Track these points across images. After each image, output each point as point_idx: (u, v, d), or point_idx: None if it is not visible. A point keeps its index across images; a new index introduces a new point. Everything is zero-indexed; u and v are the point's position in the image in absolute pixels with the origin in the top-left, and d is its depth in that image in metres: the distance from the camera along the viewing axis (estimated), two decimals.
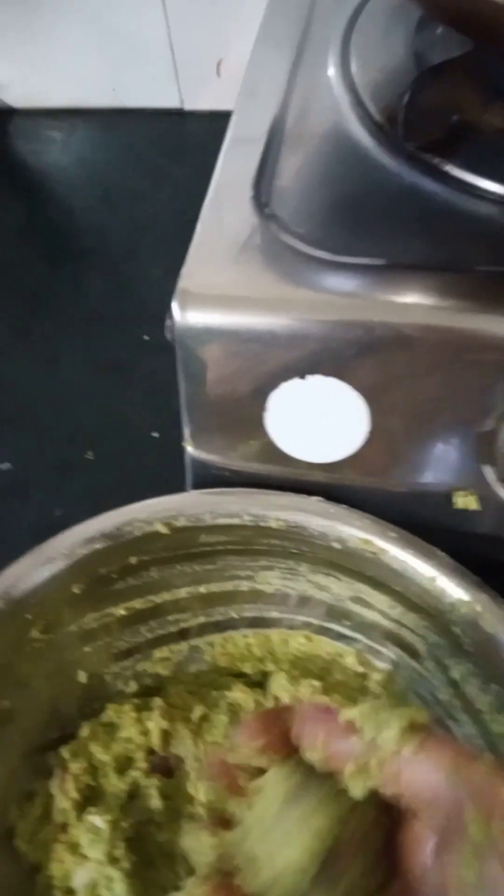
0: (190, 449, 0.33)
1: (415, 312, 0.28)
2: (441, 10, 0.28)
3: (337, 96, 0.34)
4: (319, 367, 0.29)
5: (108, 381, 0.50)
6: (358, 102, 0.34)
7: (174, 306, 0.29)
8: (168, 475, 0.45)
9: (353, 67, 0.35)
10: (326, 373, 0.29)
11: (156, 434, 0.47)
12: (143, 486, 0.45)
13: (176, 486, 0.38)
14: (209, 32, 0.58)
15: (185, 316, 0.28)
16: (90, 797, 0.32)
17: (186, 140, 0.64)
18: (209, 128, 0.64)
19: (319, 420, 0.31)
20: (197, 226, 0.31)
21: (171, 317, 0.29)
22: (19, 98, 0.66)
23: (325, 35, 0.38)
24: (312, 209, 0.31)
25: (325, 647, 0.36)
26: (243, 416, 0.31)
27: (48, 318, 0.53)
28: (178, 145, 0.63)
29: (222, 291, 0.29)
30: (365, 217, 0.30)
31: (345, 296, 0.28)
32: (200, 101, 0.63)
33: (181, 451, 0.43)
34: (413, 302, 0.28)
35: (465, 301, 0.28)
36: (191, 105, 0.64)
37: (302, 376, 0.29)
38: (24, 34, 0.61)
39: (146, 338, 0.51)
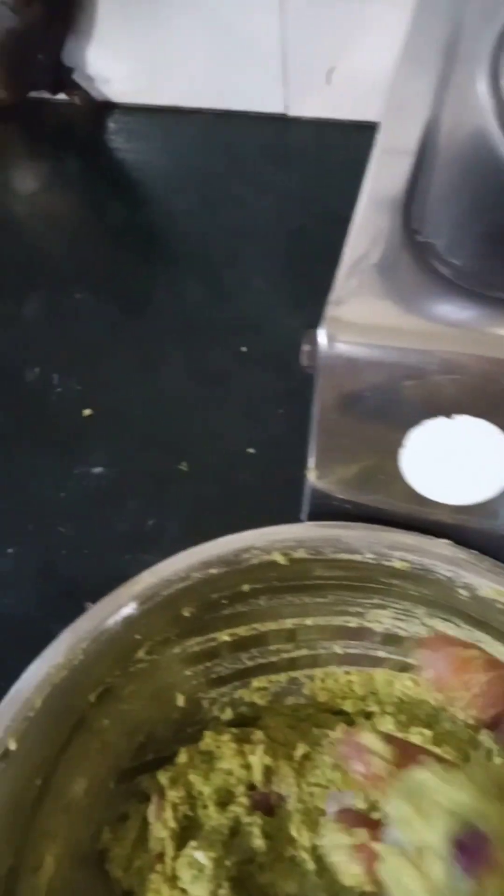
0: (313, 478, 0.32)
1: None
2: None
3: (489, 115, 0.33)
4: (469, 407, 0.27)
5: (204, 391, 0.49)
6: None
7: (321, 333, 0.27)
8: (262, 494, 0.44)
9: None
10: (476, 413, 0.27)
11: (252, 450, 0.46)
12: (238, 502, 0.45)
13: (272, 507, 0.37)
14: (324, 38, 0.57)
15: (333, 345, 0.27)
16: (188, 828, 0.31)
17: (290, 147, 0.62)
18: (314, 135, 0.63)
19: (459, 461, 0.29)
20: (344, 250, 0.29)
21: (313, 343, 0.28)
22: (122, 93, 0.65)
23: (475, 50, 0.36)
24: (467, 238, 0.29)
25: (433, 693, 0.34)
26: (377, 450, 0.30)
27: (146, 322, 0.52)
28: (281, 152, 0.62)
29: (372, 321, 0.27)
30: None
31: (500, 333, 0.27)
32: (306, 107, 0.62)
33: (277, 469, 0.42)
34: None
35: None
36: (296, 111, 0.62)
37: (448, 415, 0.28)
38: (131, 28, 0.60)
39: (244, 349, 0.50)
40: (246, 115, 0.63)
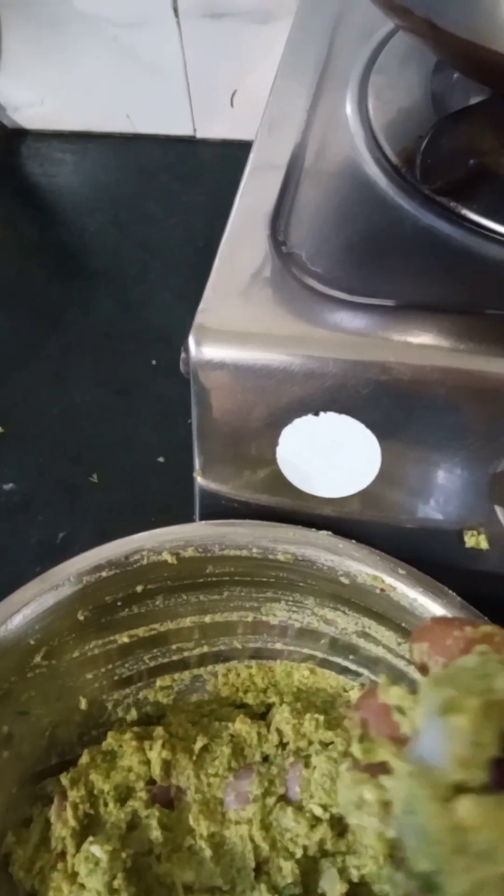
0: (200, 479, 0.33)
1: (429, 354, 0.28)
2: (457, 60, 0.29)
3: (354, 135, 0.35)
4: (333, 404, 0.29)
5: (115, 403, 0.50)
6: (375, 143, 0.34)
7: (190, 341, 0.29)
8: (172, 500, 0.45)
9: (371, 107, 0.36)
10: (340, 410, 0.29)
11: (161, 459, 0.47)
12: (148, 510, 0.46)
13: (180, 512, 0.38)
14: (224, 63, 0.59)
15: (201, 351, 0.29)
16: (89, 826, 0.32)
17: (198, 166, 0.64)
18: (221, 155, 0.66)
19: (331, 456, 0.31)
20: (215, 261, 0.31)
21: (186, 350, 0.29)
22: (33, 120, 0.66)
23: (345, 72, 0.39)
24: (329, 248, 0.31)
25: (329, 680, 0.36)
26: (255, 449, 0.31)
27: (57, 338, 0.53)
28: (189, 171, 0.64)
29: (238, 328, 0.29)
30: (381, 258, 0.30)
31: (360, 335, 0.28)
32: (213, 129, 0.64)
33: (186, 476, 0.43)
34: (428, 343, 0.28)
35: (479, 344, 0.28)
36: (203, 133, 0.64)
37: (316, 413, 0.29)
38: (40, 57, 0.62)
39: (154, 362, 0.52)
40: (155, 138, 0.65)
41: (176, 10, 0.56)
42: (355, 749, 0.20)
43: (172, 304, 0.55)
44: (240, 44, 0.57)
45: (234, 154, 0.66)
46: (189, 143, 0.65)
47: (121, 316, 0.55)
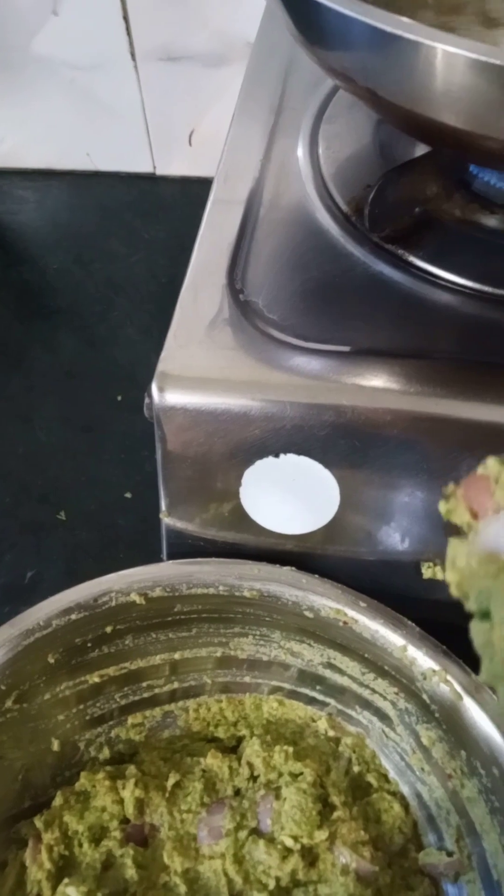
0: (166, 519, 0.34)
1: (381, 397, 0.29)
2: (397, 122, 0.31)
3: (306, 183, 0.36)
4: (292, 446, 0.30)
5: (81, 441, 0.51)
6: (325, 191, 0.36)
7: (153, 388, 0.30)
8: (140, 536, 0.46)
9: (321, 155, 0.38)
10: (299, 451, 0.30)
11: (129, 495, 0.48)
12: (116, 547, 0.46)
13: (148, 548, 0.39)
14: (181, 104, 0.60)
15: (164, 397, 0.30)
16: (64, 867, 0.32)
17: (159, 203, 0.66)
18: (181, 192, 0.67)
19: (292, 495, 0.32)
20: (175, 309, 0.32)
21: (150, 396, 0.30)
22: None
23: (297, 120, 0.40)
24: (284, 295, 0.32)
25: (297, 711, 0.36)
26: (219, 489, 0.32)
27: (21, 377, 0.54)
28: (151, 208, 0.65)
29: (199, 374, 0.30)
30: (334, 304, 0.32)
31: (315, 380, 0.30)
32: (172, 166, 0.65)
33: (153, 511, 0.44)
34: (379, 386, 0.29)
35: (427, 386, 0.29)
36: (162, 170, 0.66)
37: (276, 455, 0.30)
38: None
39: (119, 398, 0.53)
40: (116, 175, 0.67)
41: (133, 54, 0.57)
42: (441, 506, 0.23)
43: (137, 340, 0.56)
44: (196, 85, 0.59)
45: (194, 191, 0.67)
46: (149, 180, 0.67)
47: (85, 353, 0.55)
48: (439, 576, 0.33)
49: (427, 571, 0.33)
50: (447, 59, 0.24)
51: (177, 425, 0.30)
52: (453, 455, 0.30)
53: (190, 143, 0.63)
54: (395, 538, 0.33)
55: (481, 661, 0.19)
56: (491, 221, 0.34)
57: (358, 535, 0.33)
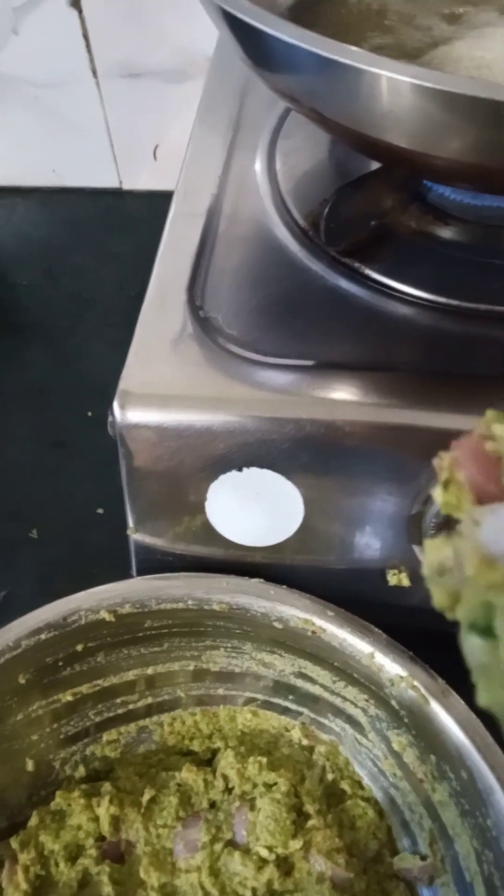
0: (134, 535, 0.34)
1: (340, 409, 0.30)
2: (344, 140, 0.31)
3: (264, 199, 0.37)
4: (255, 459, 0.31)
5: (51, 457, 0.51)
6: (283, 206, 0.36)
7: (115, 406, 0.30)
8: (114, 551, 0.46)
9: (279, 171, 0.38)
10: (261, 465, 0.31)
11: (101, 510, 0.48)
12: (89, 562, 0.46)
13: (122, 563, 0.39)
14: (145, 120, 0.61)
15: (126, 415, 0.30)
16: (41, 887, 0.32)
17: (127, 217, 0.66)
18: (147, 206, 0.67)
19: (257, 507, 0.32)
20: (136, 328, 0.32)
21: (112, 414, 0.31)
22: None
23: (254, 137, 0.41)
24: (244, 311, 0.33)
25: (271, 721, 0.37)
26: (185, 505, 0.33)
27: None
28: (118, 223, 0.65)
29: (161, 391, 0.30)
30: (293, 319, 0.32)
31: (276, 394, 0.30)
32: (138, 181, 0.66)
33: (126, 526, 0.44)
34: (339, 399, 0.30)
35: (388, 398, 0.30)
36: (129, 185, 0.66)
37: (239, 468, 0.31)
38: None
39: (89, 413, 0.53)
40: (83, 191, 0.67)
41: (94, 72, 0.57)
42: (437, 494, 0.17)
43: (107, 354, 0.55)
44: (158, 101, 0.59)
45: (160, 204, 0.67)
46: (116, 194, 0.67)
47: (54, 369, 0.55)
48: (405, 582, 0.33)
49: (392, 578, 0.33)
50: (387, 84, 0.25)
51: (140, 443, 0.31)
52: (414, 464, 0.30)
53: (155, 158, 0.63)
54: (361, 547, 0.33)
55: (476, 682, 0.16)
56: (446, 233, 0.35)
57: (324, 545, 0.33)
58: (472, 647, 0.15)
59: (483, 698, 0.15)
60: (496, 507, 0.15)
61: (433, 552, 0.17)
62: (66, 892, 0.31)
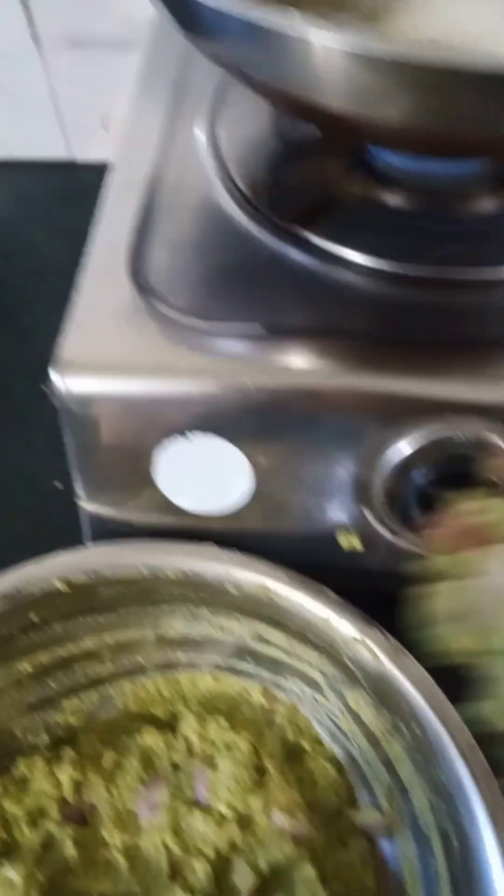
0: (87, 506, 0.35)
1: (285, 375, 0.30)
2: (279, 106, 0.31)
3: (206, 166, 0.37)
4: (200, 426, 0.31)
5: (7, 432, 0.51)
6: (226, 174, 0.36)
7: (54, 375, 0.30)
8: (74, 526, 0.46)
9: (221, 138, 0.38)
10: (206, 430, 0.31)
11: (59, 484, 0.48)
12: (49, 537, 0.46)
13: (81, 536, 0.40)
14: (92, 90, 0.60)
15: (65, 383, 0.30)
16: (4, 852, 0.33)
17: (80, 190, 0.64)
18: (100, 177, 0.66)
19: (205, 473, 0.33)
20: (76, 296, 0.32)
21: (52, 384, 0.31)
22: None
23: (197, 104, 0.40)
24: (187, 279, 0.33)
25: (231, 685, 0.37)
26: (132, 472, 0.33)
27: None
28: (71, 195, 0.64)
29: (100, 360, 0.30)
30: (237, 286, 0.32)
31: (219, 361, 0.30)
32: (90, 152, 0.65)
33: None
34: (283, 365, 0.30)
35: (332, 364, 0.30)
36: (81, 156, 0.65)
37: (184, 434, 0.31)
38: None
39: (45, 388, 0.52)
40: (34, 164, 0.66)
41: (37, 41, 0.56)
42: (445, 563, 0.19)
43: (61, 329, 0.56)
44: (104, 70, 0.58)
45: None
46: (69, 167, 0.66)
47: (9, 345, 0.55)
48: (356, 544, 0.34)
49: (343, 541, 0.34)
50: (321, 49, 0.24)
51: (81, 412, 0.31)
52: (361, 428, 0.31)
53: (105, 129, 0.62)
54: (313, 512, 0.34)
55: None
56: (391, 200, 0.35)
57: (276, 511, 0.34)
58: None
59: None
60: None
61: (445, 600, 0.18)
62: (29, 856, 0.32)
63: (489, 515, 0.20)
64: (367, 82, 0.26)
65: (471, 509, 0.20)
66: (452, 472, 0.29)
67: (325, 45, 0.24)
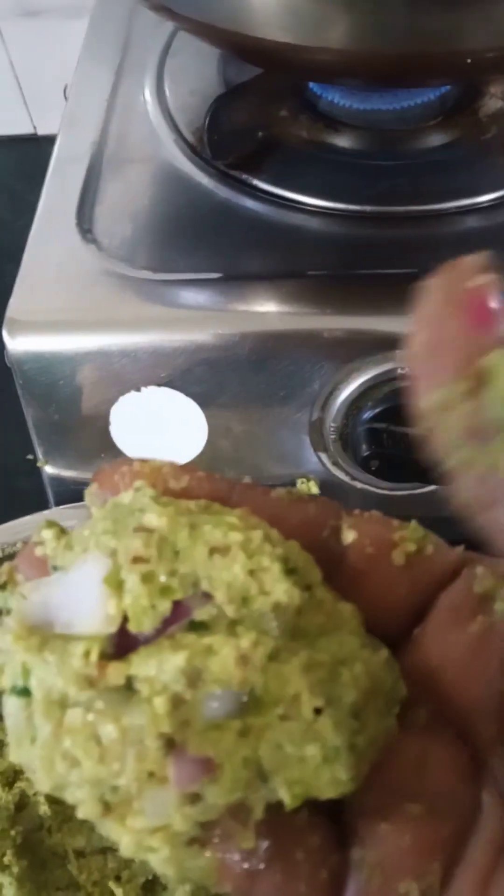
0: (46, 468, 0.34)
1: (235, 321, 0.30)
2: (218, 45, 0.31)
3: (153, 120, 0.36)
4: (152, 378, 0.31)
5: None
6: (172, 125, 0.36)
7: (4, 334, 0.30)
8: (46, 497, 0.46)
9: (168, 91, 0.37)
10: (159, 383, 0.31)
11: (30, 456, 0.48)
12: (21, 510, 0.46)
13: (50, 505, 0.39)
14: (50, 59, 0.59)
15: (15, 343, 0.30)
16: None
17: (43, 164, 0.64)
18: None
19: (161, 427, 0.32)
20: (24, 256, 0.32)
21: (3, 344, 0.30)
22: None
23: (143, 59, 0.40)
24: (135, 231, 0.32)
25: None
26: (90, 431, 0.33)
27: None
28: (34, 170, 0.63)
29: (49, 317, 0.30)
30: (184, 235, 0.32)
31: (167, 310, 0.30)
32: (52, 125, 0.64)
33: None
34: (233, 310, 0.30)
35: (281, 306, 0.30)
36: (43, 129, 0.65)
37: (137, 389, 0.31)
38: None
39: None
40: None
41: None
42: None
43: None
44: (61, 39, 0.58)
45: None
46: (31, 141, 0.65)
47: None
48: (314, 490, 0.34)
49: (302, 488, 0.34)
50: None
51: (33, 371, 0.31)
52: (310, 369, 0.31)
53: (66, 98, 0.62)
54: (269, 460, 0.33)
55: (10, 741, 0.15)
56: (337, 140, 0.35)
57: (233, 461, 0.34)
58: (11, 707, 0.15)
59: (14, 755, 0.15)
60: (38, 581, 0.15)
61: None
62: (3, 815, 0.32)
63: None
64: (299, 6, 0.25)
65: None
66: (400, 407, 0.28)
67: None
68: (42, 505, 0.45)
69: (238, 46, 0.28)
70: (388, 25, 0.26)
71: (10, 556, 0.33)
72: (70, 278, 0.31)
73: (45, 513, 0.35)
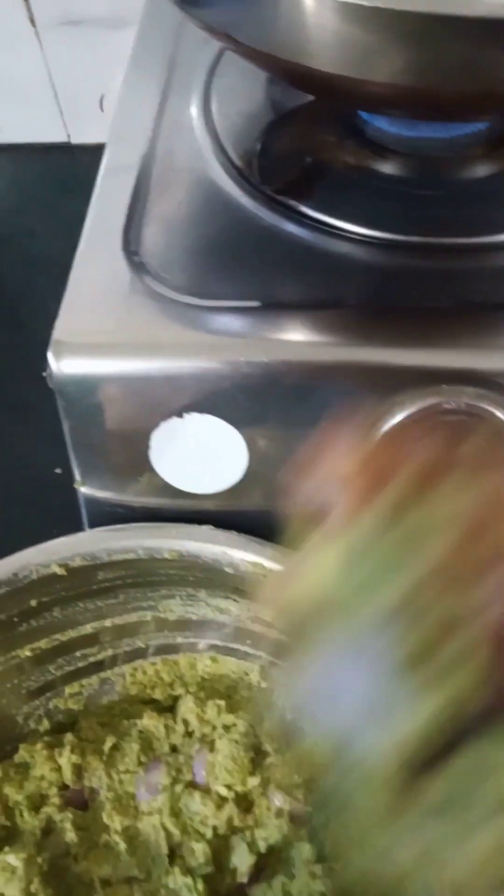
0: (83, 489, 0.34)
1: (279, 350, 0.29)
2: (268, 70, 0.30)
3: (199, 141, 0.36)
4: (194, 405, 0.30)
5: (8, 420, 0.50)
6: (219, 147, 0.35)
7: (50, 356, 0.30)
8: (73, 512, 0.46)
9: (214, 111, 0.37)
10: (201, 410, 0.30)
11: (59, 470, 0.48)
12: (50, 524, 0.46)
13: (81, 522, 0.39)
14: (88, 69, 0.59)
15: (61, 365, 0.29)
16: (6, 838, 0.32)
17: (77, 173, 0.64)
18: (98, 160, 0.65)
19: (201, 453, 0.32)
20: (70, 278, 0.32)
21: (49, 366, 0.30)
22: None
23: (190, 77, 0.40)
24: (180, 255, 0.32)
25: (230, 666, 0.37)
26: (129, 455, 0.32)
27: None
28: (68, 179, 0.63)
29: (95, 340, 0.30)
30: (230, 261, 0.32)
31: (213, 337, 0.30)
32: (86, 134, 0.64)
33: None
34: (278, 339, 0.30)
35: (327, 336, 0.30)
36: (77, 138, 0.65)
37: (179, 415, 0.31)
38: None
39: (45, 374, 0.52)
40: (30, 147, 0.65)
41: (32, 21, 0.55)
42: None
43: None
44: (100, 49, 0.58)
45: None
46: (65, 149, 0.65)
47: (8, 333, 0.54)
48: None
49: None
50: (311, 4, 0.24)
51: (77, 393, 0.30)
52: (355, 401, 0.30)
53: (102, 109, 0.62)
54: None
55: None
56: (383, 167, 0.34)
57: (271, 490, 0.33)
58: None
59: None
60: None
61: None
62: (30, 841, 0.32)
63: None
64: (357, 39, 0.25)
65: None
66: None
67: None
68: (72, 522, 0.45)
69: (296, 76, 0.27)
70: (448, 63, 0.25)
71: (45, 579, 0.33)
72: (116, 301, 0.31)
73: (81, 535, 0.34)
